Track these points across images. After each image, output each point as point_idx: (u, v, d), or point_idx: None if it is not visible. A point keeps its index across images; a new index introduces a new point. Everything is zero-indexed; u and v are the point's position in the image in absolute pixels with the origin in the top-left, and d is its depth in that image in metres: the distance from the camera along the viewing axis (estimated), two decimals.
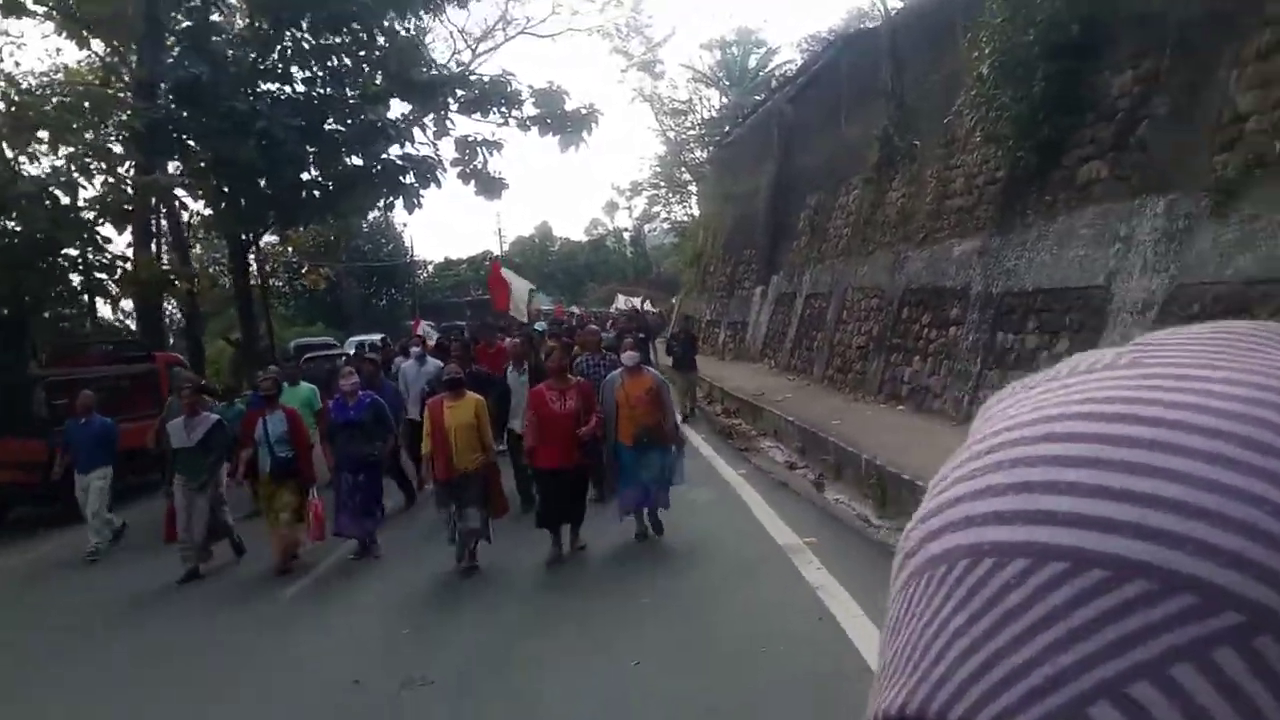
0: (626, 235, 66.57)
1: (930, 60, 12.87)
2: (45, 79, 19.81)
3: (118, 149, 16.69)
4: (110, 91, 19.15)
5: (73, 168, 14.48)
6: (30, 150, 15.21)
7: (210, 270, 26.84)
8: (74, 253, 14.89)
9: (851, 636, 4.98)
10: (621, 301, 41.78)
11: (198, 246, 24.59)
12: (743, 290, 23.60)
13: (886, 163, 14.22)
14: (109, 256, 15.84)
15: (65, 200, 14.13)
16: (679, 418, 8.66)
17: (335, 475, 8.17)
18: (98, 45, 19.25)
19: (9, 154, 14.47)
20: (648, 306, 35.27)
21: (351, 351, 21.34)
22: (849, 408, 11.94)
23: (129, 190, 14.91)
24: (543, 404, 7.41)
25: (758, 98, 35.75)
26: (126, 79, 19.60)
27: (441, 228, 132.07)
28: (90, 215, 14.99)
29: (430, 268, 52.23)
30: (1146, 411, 0.30)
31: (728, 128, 36.92)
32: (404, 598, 6.98)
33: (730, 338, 23.54)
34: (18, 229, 13.93)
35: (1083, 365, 0.35)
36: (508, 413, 9.31)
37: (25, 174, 14.40)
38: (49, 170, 14.69)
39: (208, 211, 20.61)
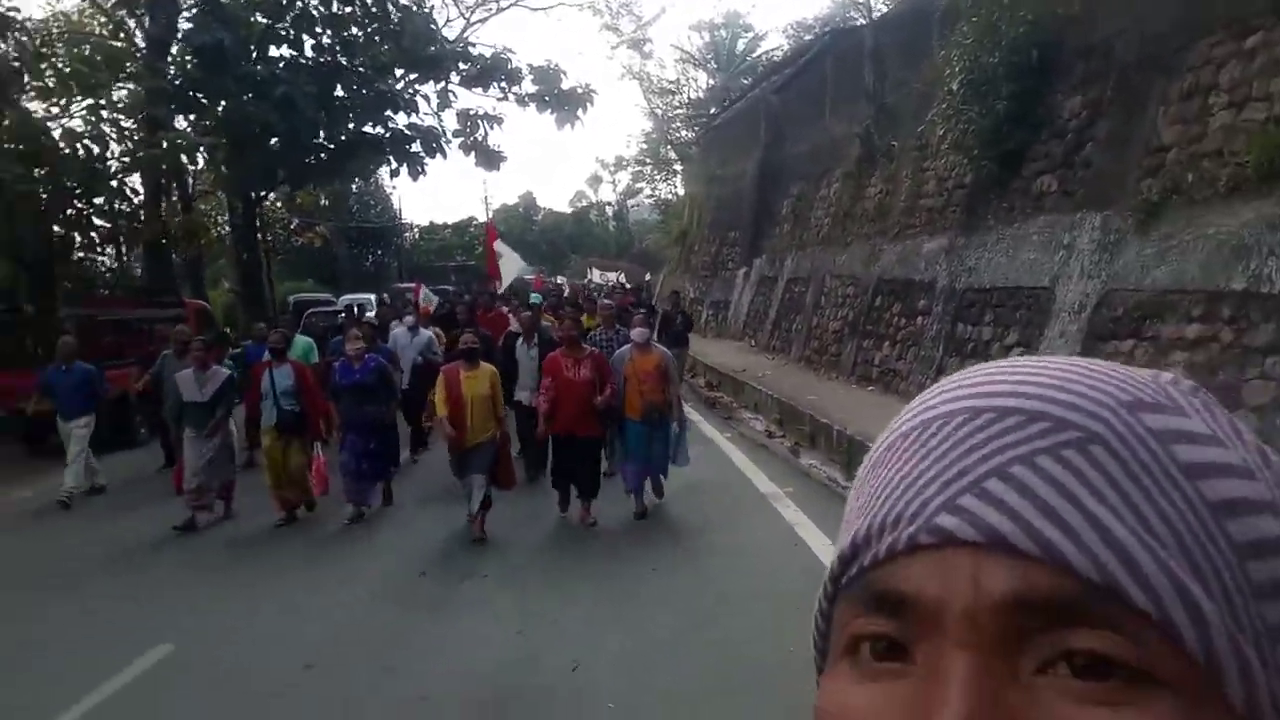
0: (610, 209, 67.15)
1: (908, 69, 13.88)
2: (44, 27, 19.89)
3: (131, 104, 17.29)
4: (122, 45, 19.62)
5: (103, 123, 15.23)
6: (52, 103, 15.91)
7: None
8: (100, 202, 15.64)
9: (820, 556, 6.30)
10: (596, 275, 42.32)
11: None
12: (726, 271, 24.39)
13: (866, 159, 15.23)
14: (131, 206, 16.65)
15: (96, 151, 14.89)
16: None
17: (342, 438, 8.16)
18: None
19: (37, 108, 15.17)
20: (622, 280, 35.96)
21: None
22: (824, 386, 13.05)
23: (157, 147, 15.65)
24: (559, 370, 7.63)
25: (745, 81, 36.46)
26: (135, 33, 20.05)
27: (428, 192, 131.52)
28: (116, 167, 15.76)
29: (416, 231, 52.82)
30: (1022, 362, 0.47)
31: (714, 110, 37.58)
32: (438, 538, 7.54)
33: (713, 316, 24.37)
34: (48, 180, 14.68)
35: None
36: (512, 378, 9.43)
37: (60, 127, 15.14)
38: (80, 124, 15.43)
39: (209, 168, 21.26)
